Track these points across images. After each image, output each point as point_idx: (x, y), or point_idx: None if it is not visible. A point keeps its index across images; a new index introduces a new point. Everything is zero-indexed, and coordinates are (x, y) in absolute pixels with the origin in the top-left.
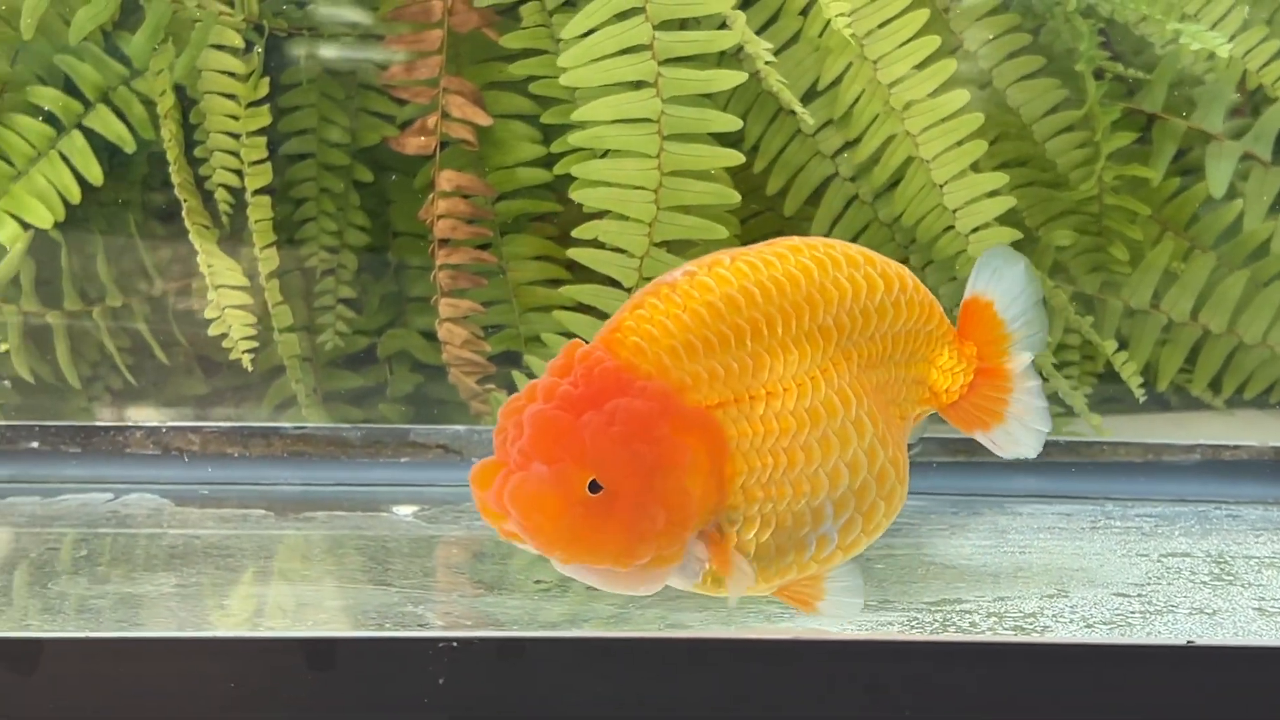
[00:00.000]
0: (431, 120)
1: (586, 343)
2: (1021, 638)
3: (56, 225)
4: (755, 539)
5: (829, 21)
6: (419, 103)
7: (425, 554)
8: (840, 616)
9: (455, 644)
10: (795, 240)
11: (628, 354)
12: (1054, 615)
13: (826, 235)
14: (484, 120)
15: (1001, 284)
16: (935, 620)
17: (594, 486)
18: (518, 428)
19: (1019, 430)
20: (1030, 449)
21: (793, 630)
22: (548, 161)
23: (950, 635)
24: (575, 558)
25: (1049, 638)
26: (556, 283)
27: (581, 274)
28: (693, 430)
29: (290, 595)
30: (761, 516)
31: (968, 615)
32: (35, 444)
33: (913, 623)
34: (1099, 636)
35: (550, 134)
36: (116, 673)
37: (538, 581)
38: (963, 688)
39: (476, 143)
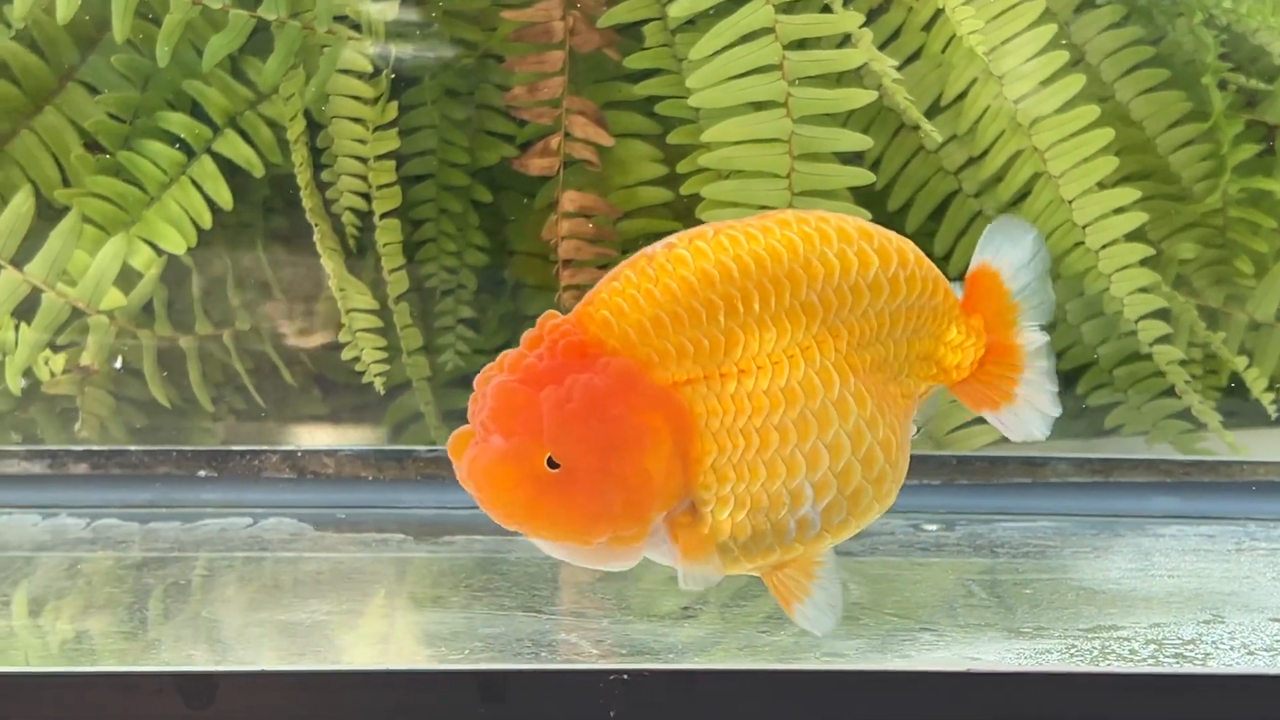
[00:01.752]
0: (554, 141)
1: (563, 315)
2: (1188, 668)
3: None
4: (730, 519)
5: (953, 37)
6: (541, 123)
7: (567, 578)
8: (813, 626)
9: (626, 676)
10: (788, 213)
11: (596, 328)
12: (1213, 642)
13: (950, 251)
14: (606, 141)
15: (1009, 253)
16: (1094, 648)
17: (552, 463)
18: (483, 399)
19: (1028, 412)
20: (1039, 432)
21: (957, 662)
22: (669, 180)
23: (1115, 666)
24: (533, 532)
25: (1215, 667)
26: None
27: None
28: (655, 409)
29: (442, 623)
30: (735, 497)
31: (1126, 643)
32: (171, 469)
33: (1071, 650)
34: (1265, 665)
35: (669, 152)
36: (290, 704)
37: (684, 609)
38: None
39: (599, 163)
